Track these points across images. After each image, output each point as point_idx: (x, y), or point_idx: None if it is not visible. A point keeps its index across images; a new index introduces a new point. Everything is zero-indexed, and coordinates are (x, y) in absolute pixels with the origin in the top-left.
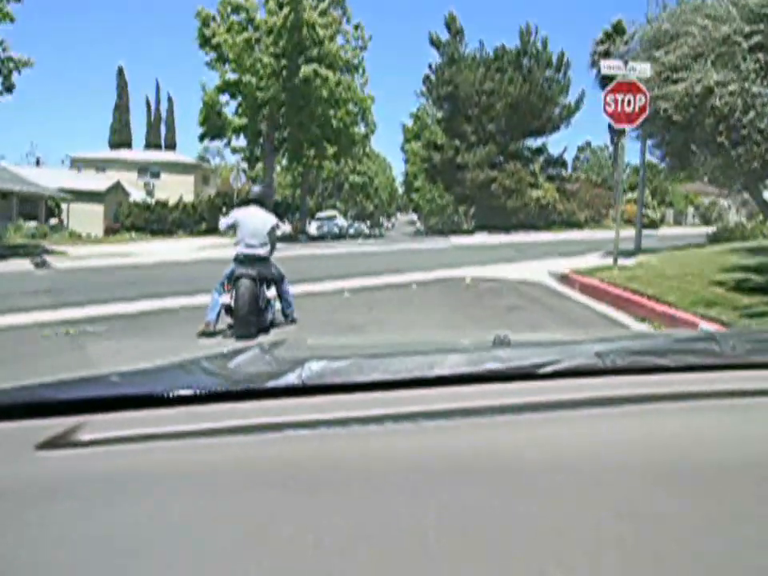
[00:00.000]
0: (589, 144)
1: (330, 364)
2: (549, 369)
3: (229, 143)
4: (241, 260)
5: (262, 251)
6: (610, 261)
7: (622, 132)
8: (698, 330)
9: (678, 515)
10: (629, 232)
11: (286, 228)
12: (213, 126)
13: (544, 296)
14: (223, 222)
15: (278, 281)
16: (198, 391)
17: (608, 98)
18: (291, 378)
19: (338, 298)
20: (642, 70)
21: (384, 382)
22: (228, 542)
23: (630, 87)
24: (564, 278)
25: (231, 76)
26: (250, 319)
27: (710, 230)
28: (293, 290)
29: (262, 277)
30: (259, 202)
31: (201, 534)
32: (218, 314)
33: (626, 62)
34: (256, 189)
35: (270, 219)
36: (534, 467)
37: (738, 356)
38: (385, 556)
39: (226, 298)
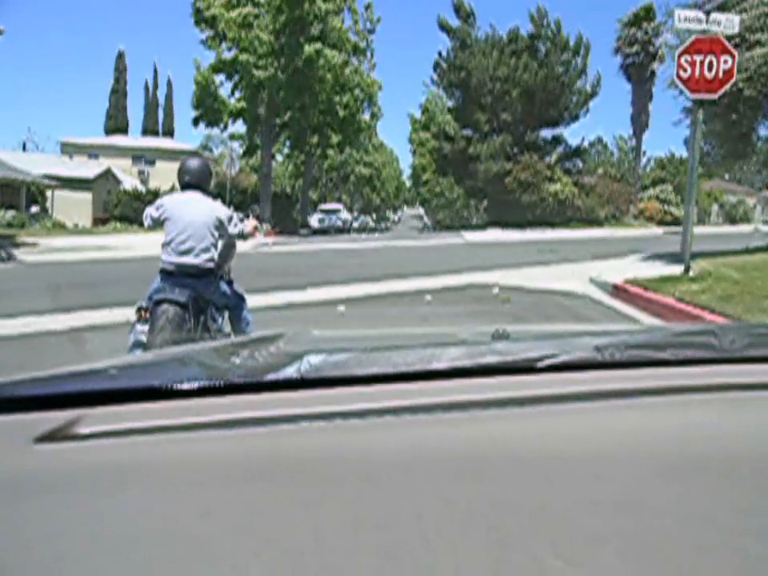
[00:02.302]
0: (600, 139)
1: (329, 357)
2: (547, 362)
3: (225, 128)
4: (168, 274)
5: (202, 260)
6: (659, 266)
7: (699, 104)
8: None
9: (677, 508)
10: (649, 230)
11: (247, 226)
12: (208, 109)
13: (602, 317)
14: (146, 214)
15: (231, 306)
16: (196, 384)
17: (683, 60)
18: (290, 372)
19: (330, 314)
20: (729, 23)
21: (383, 375)
22: (227, 535)
23: (713, 46)
24: (618, 291)
25: (227, 55)
26: None
27: None
28: (271, 299)
29: (202, 302)
30: (198, 186)
31: (200, 527)
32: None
33: (707, 13)
34: (192, 163)
35: (218, 210)
36: (533, 460)
37: (736, 350)
38: (386, 549)
39: (141, 333)
